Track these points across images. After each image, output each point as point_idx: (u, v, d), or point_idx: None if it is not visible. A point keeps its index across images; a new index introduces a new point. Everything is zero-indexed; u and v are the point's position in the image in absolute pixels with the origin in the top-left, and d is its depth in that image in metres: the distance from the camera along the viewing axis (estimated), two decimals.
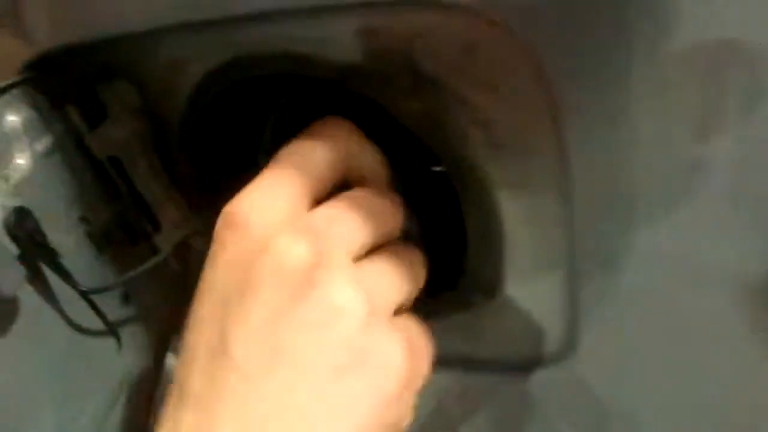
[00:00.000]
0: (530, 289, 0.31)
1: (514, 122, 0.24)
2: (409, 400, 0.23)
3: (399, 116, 0.26)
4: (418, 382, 0.23)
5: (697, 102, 0.21)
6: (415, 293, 0.25)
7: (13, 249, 0.24)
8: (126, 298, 0.32)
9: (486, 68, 0.22)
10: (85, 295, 0.28)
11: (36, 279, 0.26)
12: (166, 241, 0.37)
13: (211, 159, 0.35)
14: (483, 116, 0.24)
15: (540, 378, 0.35)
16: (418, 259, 0.25)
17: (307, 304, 0.20)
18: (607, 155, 0.23)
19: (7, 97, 0.27)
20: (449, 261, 0.32)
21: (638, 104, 0.22)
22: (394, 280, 0.23)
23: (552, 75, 0.21)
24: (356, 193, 0.24)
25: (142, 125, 0.33)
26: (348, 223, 0.22)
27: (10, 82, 0.27)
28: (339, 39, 0.24)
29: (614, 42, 0.20)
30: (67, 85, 0.30)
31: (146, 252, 0.35)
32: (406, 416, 0.23)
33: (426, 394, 0.40)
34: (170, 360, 0.38)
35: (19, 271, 0.24)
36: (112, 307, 0.31)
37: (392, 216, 0.25)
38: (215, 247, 0.22)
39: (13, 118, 0.27)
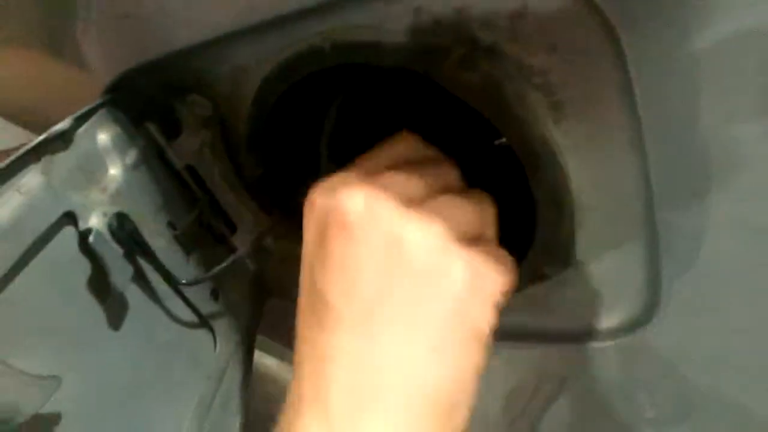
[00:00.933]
0: (605, 257, 0.31)
1: (576, 81, 0.24)
2: (483, 308, 0.24)
3: (457, 90, 0.27)
4: (490, 294, 0.24)
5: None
6: (488, 226, 0.26)
7: (118, 249, 0.27)
8: (215, 295, 0.35)
9: (541, 28, 0.23)
10: (179, 289, 0.30)
11: (139, 277, 0.28)
12: (242, 241, 0.40)
13: (276, 159, 0.37)
14: (542, 78, 0.24)
15: (616, 347, 0.34)
16: (483, 198, 0.27)
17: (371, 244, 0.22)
18: (678, 111, 0.22)
19: (95, 118, 0.30)
20: (519, 233, 0.32)
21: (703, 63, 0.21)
22: (455, 213, 0.24)
23: (615, 23, 0.21)
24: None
25: (213, 134, 0.35)
26: (400, 175, 0.25)
27: (94, 104, 0.30)
28: (390, 22, 0.26)
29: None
30: (145, 103, 0.33)
31: (227, 254, 0.38)
32: (484, 321, 0.24)
33: (502, 366, 0.40)
34: (258, 356, 0.40)
35: (126, 270, 0.27)
36: (204, 302, 0.33)
37: (445, 169, 0.27)
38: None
39: (103, 136, 0.30)
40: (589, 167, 0.28)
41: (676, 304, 0.30)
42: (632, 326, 0.33)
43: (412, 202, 0.23)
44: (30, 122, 0.47)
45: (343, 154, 0.41)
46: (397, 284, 0.22)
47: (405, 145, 0.28)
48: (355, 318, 0.22)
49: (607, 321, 0.35)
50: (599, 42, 0.23)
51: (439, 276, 0.22)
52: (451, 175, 0.27)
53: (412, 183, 0.24)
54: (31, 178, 0.24)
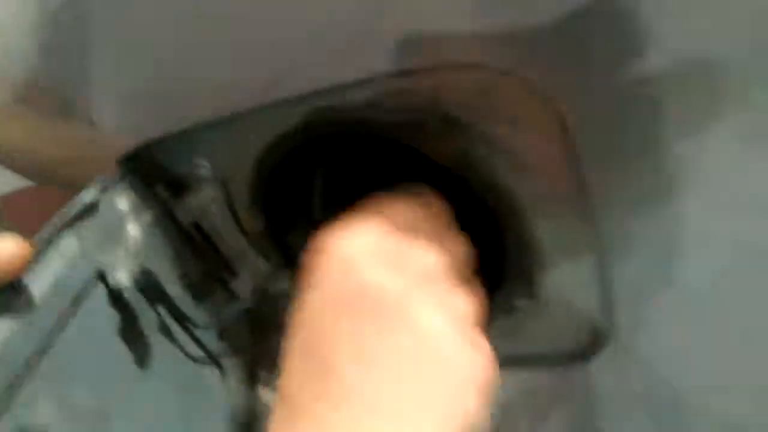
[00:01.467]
0: (566, 285, 0.35)
1: (531, 147, 0.29)
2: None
3: (433, 156, 0.31)
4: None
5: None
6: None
7: (144, 301, 0.30)
8: (221, 335, 0.38)
9: (502, 105, 0.28)
10: (193, 332, 0.34)
11: (161, 324, 0.32)
12: (243, 286, 0.43)
13: (275, 212, 0.41)
14: (505, 146, 0.29)
15: (596, 366, 0.37)
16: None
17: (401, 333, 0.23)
18: (616, 161, 0.27)
19: (115, 187, 0.34)
20: (490, 271, 0.37)
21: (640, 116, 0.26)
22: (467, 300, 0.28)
23: (558, 103, 0.26)
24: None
25: (216, 193, 0.39)
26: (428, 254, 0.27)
27: (114, 176, 0.34)
28: (379, 101, 0.30)
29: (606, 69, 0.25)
30: (154, 168, 0.37)
31: (230, 297, 0.41)
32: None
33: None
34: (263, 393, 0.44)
35: (152, 319, 0.30)
36: (212, 342, 0.37)
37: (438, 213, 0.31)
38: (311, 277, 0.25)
39: (123, 202, 0.34)
40: (547, 218, 0.32)
41: (632, 319, 0.34)
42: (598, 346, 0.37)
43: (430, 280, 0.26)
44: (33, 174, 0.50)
45: (337, 200, 0.45)
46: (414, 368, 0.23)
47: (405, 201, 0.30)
48: (368, 396, 0.22)
49: (578, 342, 0.38)
50: (547, 116, 0.27)
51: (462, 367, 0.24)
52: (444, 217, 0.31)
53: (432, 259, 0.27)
54: (69, 243, 0.28)
